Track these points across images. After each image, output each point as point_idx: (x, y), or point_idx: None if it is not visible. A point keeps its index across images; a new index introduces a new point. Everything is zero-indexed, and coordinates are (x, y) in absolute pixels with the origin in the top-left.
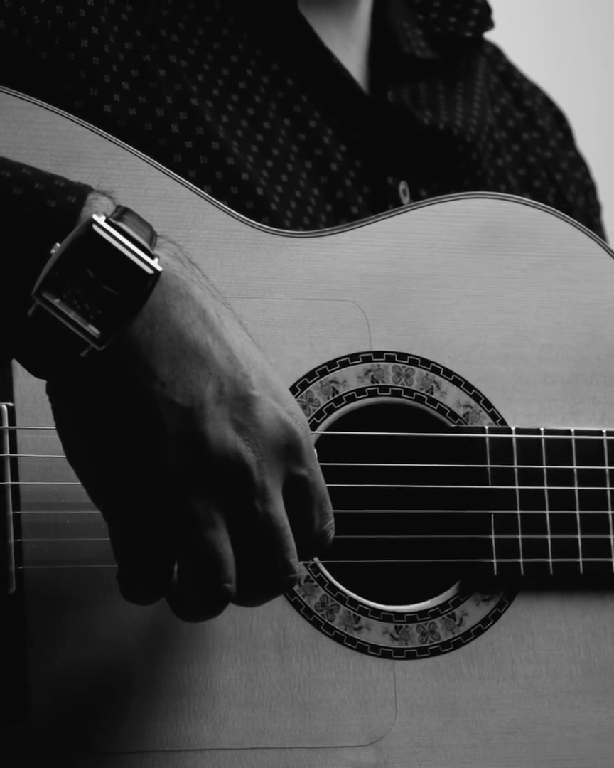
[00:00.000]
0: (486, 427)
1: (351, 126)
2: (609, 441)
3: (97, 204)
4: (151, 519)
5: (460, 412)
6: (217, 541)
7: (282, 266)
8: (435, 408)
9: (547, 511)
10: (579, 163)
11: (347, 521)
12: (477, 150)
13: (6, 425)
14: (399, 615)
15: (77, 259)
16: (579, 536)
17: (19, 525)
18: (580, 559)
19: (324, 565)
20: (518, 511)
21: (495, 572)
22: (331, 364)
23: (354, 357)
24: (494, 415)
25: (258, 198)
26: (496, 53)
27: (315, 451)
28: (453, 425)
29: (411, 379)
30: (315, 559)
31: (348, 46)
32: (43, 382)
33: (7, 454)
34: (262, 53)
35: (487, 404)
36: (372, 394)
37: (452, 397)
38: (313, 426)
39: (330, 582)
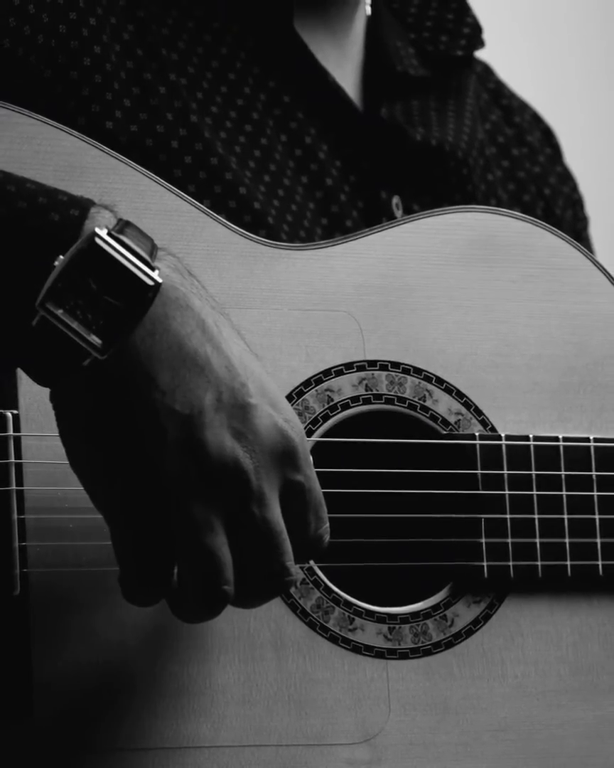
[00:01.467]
0: (477, 434)
1: (346, 142)
2: (595, 447)
3: (99, 217)
4: (152, 523)
5: (452, 419)
6: (215, 545)
7: (279, 278)
8: (428, 415)
9: (536, 516)
10: (567, 177)
11: (342, 525)
12: (468, 165)
13: (11, 432)
14: (393, 616)
15: (80, 271)
16: (567, 540)
17: (23, 529)
18: (568, 562)
19: (320, 567)
20: (508, 516)
21: (486, 575)
22: (326, 373)
23: (348, 366)
24: (484, 423)
25: (255, 212)
26: (487, 71)
27: (311, 458)
28: (444, 432)
29: (404, 387)
30: (311, 562)
31: (343, 64)
32: (46, 390)
33: (12, 459)
34: (260, 71)
35: (478, 412)
36: (367, 401)
37: (444, 404)
38: (309, 433)
39: (325, 584)
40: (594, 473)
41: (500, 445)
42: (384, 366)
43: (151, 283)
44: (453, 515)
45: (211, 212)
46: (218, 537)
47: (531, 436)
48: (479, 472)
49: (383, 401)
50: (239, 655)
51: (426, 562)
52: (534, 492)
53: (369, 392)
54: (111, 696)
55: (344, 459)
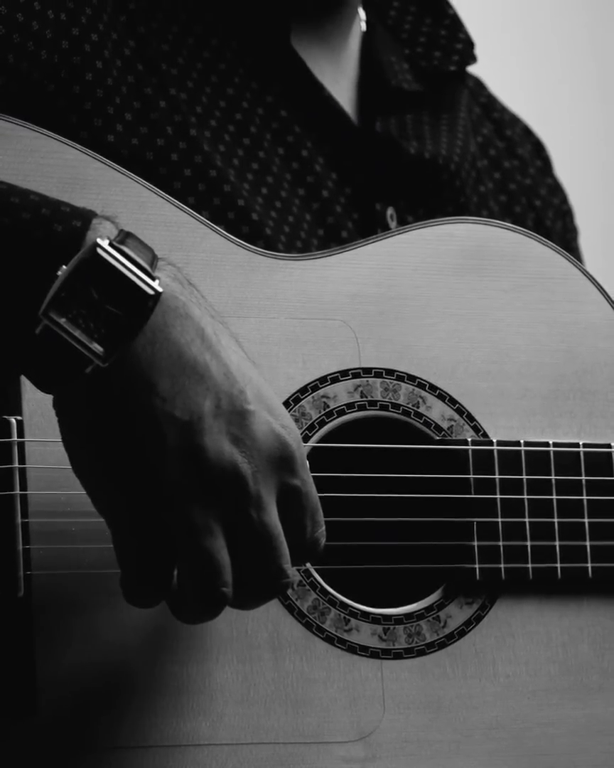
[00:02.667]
0: (469, 439)
1: (342, 155)
2: (584, 453)
3: (101, 228)
4: (153, 527)
5: (445, 425)
6: (214, 548)
7: (276, 287)
8: (421, 421)
9: (527, 519)
10: (556, 189)
11: (338, 529)
12: (460, 177)
13: (15, 437)
14: (387, 617)
15: (82, 281)
16: (557, 543)
17: (27, 532)
18: (558, 565)
19: (316, 570)
20: (499, 519)
21: (478, 577)
22: (322, 380)
23: (344, 373)
24: (477, 428)
25: (253, 223)
26: (478, 86)
27: (308, 463)
28: (437, 438)
29: (398, 394)
30: (308, 565)
31: (339, 79)
32: (50, 397)
33: (16, 465)
34: (258, 86)
35: (470, 418)
36: (362, 408)
37: (437, 411)
38: (306, 439)
39: (321, 586)
40: (583, 478)
41: (492, 451)
42: (379, 373)
43: (151, 292)
44: (446, 519)
45: (211, 223)
46: (217, 540)
47: (522, 441)
48: (471, 476)
49: (378, 407)
50: (237, 655)
51: (419, 565)
52: (525, 496)
53: (365, 399)
54: (112, 695)
55: (340, 464)
